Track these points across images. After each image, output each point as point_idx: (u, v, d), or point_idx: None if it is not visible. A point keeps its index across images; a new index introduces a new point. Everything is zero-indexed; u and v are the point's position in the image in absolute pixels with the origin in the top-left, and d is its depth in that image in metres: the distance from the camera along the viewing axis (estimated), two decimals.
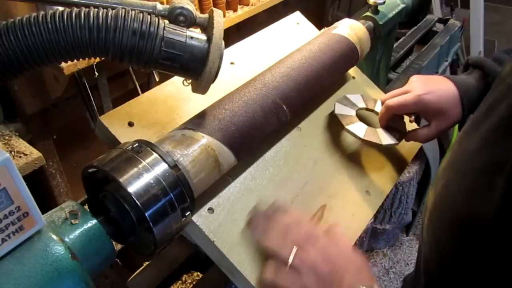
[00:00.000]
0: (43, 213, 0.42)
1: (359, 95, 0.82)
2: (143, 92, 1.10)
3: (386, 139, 0.75)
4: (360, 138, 0.73)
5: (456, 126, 1.53)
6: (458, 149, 0.55)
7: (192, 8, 0.55)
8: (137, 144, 0.51)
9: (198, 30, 0.57)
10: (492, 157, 0.46)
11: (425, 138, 0.77)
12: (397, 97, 0.76)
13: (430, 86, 0.75)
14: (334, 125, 0.77)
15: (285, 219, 0.59)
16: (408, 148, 0.79)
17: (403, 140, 0.79)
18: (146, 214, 0.47)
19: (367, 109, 0.81)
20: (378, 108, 0.82)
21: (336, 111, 0.77)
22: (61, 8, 0.48)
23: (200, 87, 0.56)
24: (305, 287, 0.52)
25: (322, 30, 0.94)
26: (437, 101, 0.73)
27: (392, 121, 0.78)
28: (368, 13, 0.95)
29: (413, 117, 0.80)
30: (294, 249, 0.54)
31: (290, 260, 0.53)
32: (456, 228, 0.48)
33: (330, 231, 0.59)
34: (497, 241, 0.43)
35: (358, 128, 0.74)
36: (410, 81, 0.79)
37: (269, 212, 0.62)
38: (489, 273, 0.45)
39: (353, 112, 0.78)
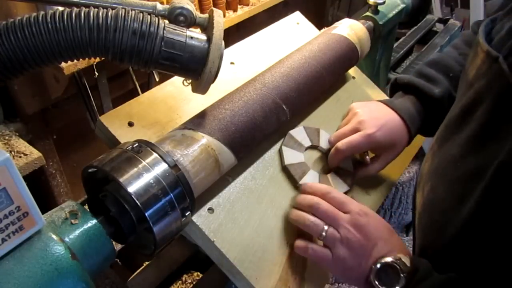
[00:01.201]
0: (43, 213, 0.42)
1: (302, 128, 0.76)
2: (143, 92, 1.10)
3: (339, 187, 0.72)
4: None
5: None
6: (439, 153, 0.57)
7: (192, 8, 0.55)
8: (137, 144, 0.51)
9: (198, 30, 0.57)
10: (474, 165, 0.48)
11: (375, 172, 0.75)
12: (347, 138, 0.72)
13: (378, 121, 0.72)
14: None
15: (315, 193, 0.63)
16: (408, 148, 0.79)
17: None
18: (146, 214, 0.47)
19: (312, 146, 0.76)
20: (323, 142, 0.76)
21: (286, 162, 0.69)
22: (61, 8, 0.48)
23: (200, 87, 0.56)
24: (339, 258, 0.57)
25: (322, 30, 0.94)
26: (388, 136, 0.72)
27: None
28: (368, 13, 0.95)
29: (367, 157, 0.75)
30: (325, 227, 0.58)
31: (323, 234, 0.58)
32: (444, 227, 0.51)
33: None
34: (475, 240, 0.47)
35: (312, 180, 0.70)
36: (354, 113, 0.76)
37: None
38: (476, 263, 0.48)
39: (302, 156, 0.72)
